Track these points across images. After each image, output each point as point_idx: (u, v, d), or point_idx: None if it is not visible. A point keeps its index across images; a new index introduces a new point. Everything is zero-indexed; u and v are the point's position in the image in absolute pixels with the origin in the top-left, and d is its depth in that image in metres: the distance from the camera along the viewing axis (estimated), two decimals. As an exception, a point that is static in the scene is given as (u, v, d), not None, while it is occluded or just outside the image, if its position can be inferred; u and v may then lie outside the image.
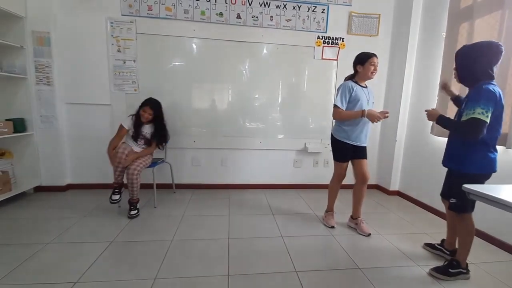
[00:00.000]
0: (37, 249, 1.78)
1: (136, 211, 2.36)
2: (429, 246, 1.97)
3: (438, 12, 2.74)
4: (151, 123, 2.54)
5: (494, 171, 1.51)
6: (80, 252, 1.77)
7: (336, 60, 3.22)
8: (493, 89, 1.40)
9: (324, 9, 3.11)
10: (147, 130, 2.52)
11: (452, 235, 1.85)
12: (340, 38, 3.19)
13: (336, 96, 2.11)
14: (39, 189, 2.87)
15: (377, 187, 3.55)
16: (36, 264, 1.63)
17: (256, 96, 3.16)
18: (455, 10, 2.45)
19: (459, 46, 2.36)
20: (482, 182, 1.50)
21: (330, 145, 2.30)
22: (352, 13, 3.16)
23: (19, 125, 2.60)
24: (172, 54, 2.94)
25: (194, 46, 2.97)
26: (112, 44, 2.81)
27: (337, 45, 3.19)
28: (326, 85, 3.26)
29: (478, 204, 1.37)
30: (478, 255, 1.89)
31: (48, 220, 2.23)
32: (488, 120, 1.37)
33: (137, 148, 2.49)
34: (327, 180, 3.40)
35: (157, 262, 1.69)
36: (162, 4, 2.81)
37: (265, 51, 3.09)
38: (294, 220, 2.44)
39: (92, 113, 2.90)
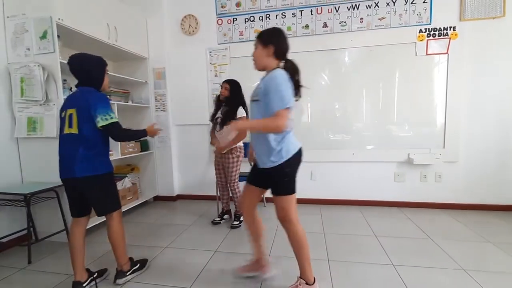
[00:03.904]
0: (158, 252, 2.07)
1: (238, 222, 2.50)
2: None
3: None
4: (227, 103, 2.45)
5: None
6: (190, 259, 1.96)
7: (446, 53, 2.70)
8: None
9: (426, -1, 2.69)
10: (221, 112, 2.47)
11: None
12: (450, 27, 2.68)
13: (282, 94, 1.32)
14: (156, 198, 3.41)
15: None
16: (158, 266, 1.88)
17: (349, 104, 2.95)
18: None
19: None
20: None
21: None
22: (466, -5, 2.62)
23: (144, 145, 3.19)
24: (259, 72, 3.06)
25: (281, 62, 3.03)
26: (211, 70, 3.18)
27: (446, 36, 2.68)
28: (431, 84, 2.77)
29: None
30: None
31: (164, 226, 2.59)
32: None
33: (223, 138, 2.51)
34: (439, 198, 2.88)
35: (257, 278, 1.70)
36: (252, 28, 3.03)
37: (354, 56, 2.87)
38: (405, 245, 2.07)
39: (194, 133, 3.31)
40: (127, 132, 1.65)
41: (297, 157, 1.43)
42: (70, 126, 1.49)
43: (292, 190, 1.43)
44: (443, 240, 2.12)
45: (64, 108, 1.55)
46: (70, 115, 1.49)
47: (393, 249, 2.01)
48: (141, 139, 3.16)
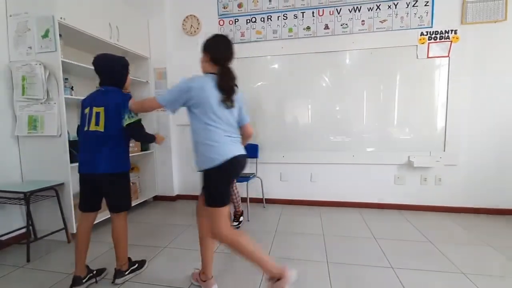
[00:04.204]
0: (157, 252, 2.06)
1: (237, 223, 2.50)
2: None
3: None
4: None
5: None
6: (189, 259, 1.95)
7: (448, 56, 2.70)
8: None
9: (427, 1, 2.70)
10: None
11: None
12: (452, 30, 2.68)
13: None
14: (156, 198, 3.41)
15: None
16: (157, 266, 1.88)
17: (350, 106, 2.95)
18: None
19: None
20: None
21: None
22: (467, -1, 2.62)
23: (144, 145, 3.18)
24: (260, 72, 3.09)
25: (281, 63, 3.04)
26: (212, 71, 3.18)
27: (448, 39, 2.68)
28: (431, 87, 2.77)
29: None
30: None
31: (163, 226, 2.59)
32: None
33: None
34: (439, 201, 2.87)
35: (257, 279, 1.69)
36: (253, 29, 3.03)
37: (356, 58, 2.88)
38: (404, 248, 2.06)
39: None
40: (147, 133, 1.70)
41: (226, 167, 1.33)
42: (97, 124, 1.53)
43: (215, 202, 1.35)
44: (442, 243, 2.11)
45: (88, 105, 1.58)
46: (97, 113, 1.53)
47: (393, 251, 2.00)
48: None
